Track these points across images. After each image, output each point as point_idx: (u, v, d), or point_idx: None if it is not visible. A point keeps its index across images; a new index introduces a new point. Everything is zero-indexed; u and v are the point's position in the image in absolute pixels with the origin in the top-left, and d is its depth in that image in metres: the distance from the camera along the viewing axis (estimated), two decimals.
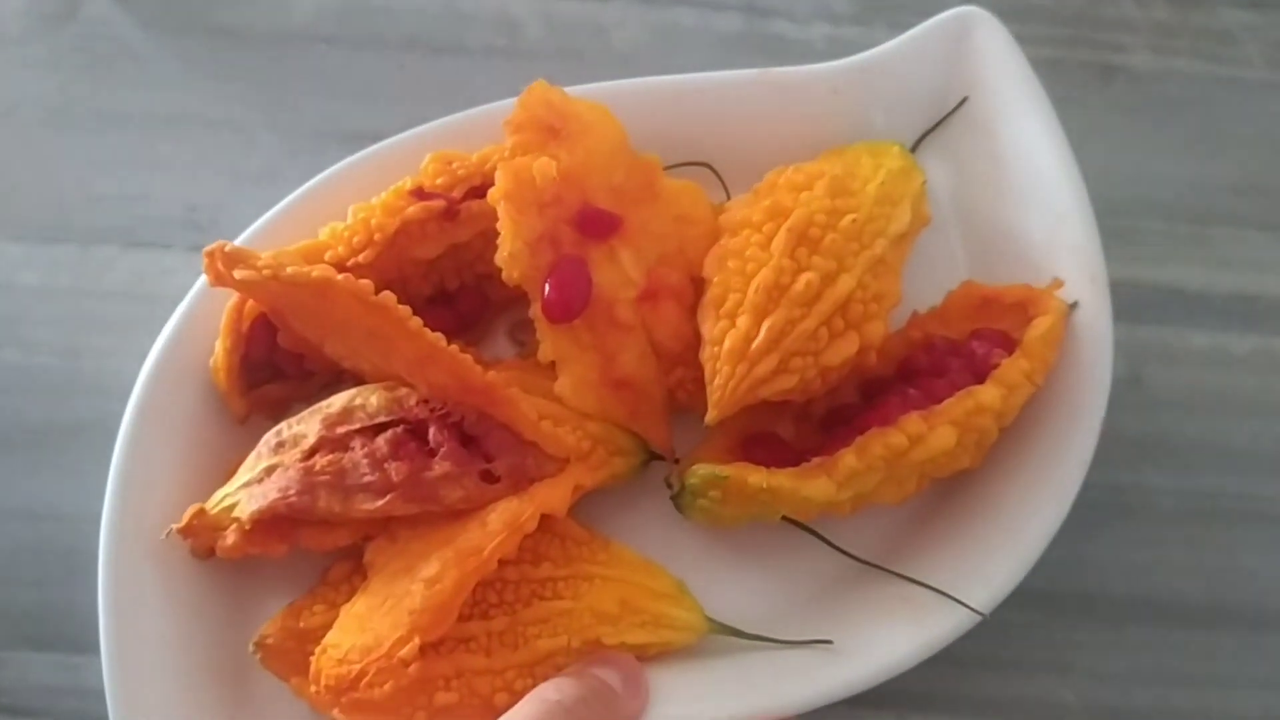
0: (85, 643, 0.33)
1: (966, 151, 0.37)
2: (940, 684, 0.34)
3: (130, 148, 0.40)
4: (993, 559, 0.31)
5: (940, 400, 0.31)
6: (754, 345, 0.30)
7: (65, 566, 0.35)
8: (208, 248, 0.30)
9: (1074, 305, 0.33)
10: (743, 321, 0.31)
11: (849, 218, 0.31)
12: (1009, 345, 0.32)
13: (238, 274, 0.30)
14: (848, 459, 0.30)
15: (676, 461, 0.33)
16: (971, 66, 0.37)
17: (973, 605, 0.31)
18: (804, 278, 0.31)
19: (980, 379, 0.32)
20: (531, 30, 0.43)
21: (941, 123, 0.37)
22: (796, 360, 0.31)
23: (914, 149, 0.37)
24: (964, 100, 0.37)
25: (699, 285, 0.33)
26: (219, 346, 0.32)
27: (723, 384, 0.31)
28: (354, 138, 0.37)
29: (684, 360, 0.33)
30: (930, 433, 0.30)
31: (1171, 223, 0.41)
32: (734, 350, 0.30)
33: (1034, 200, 0.35)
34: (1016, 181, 0.36)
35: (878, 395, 0.33)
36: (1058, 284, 0.33)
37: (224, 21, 0.42)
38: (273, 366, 0.33)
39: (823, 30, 0.44)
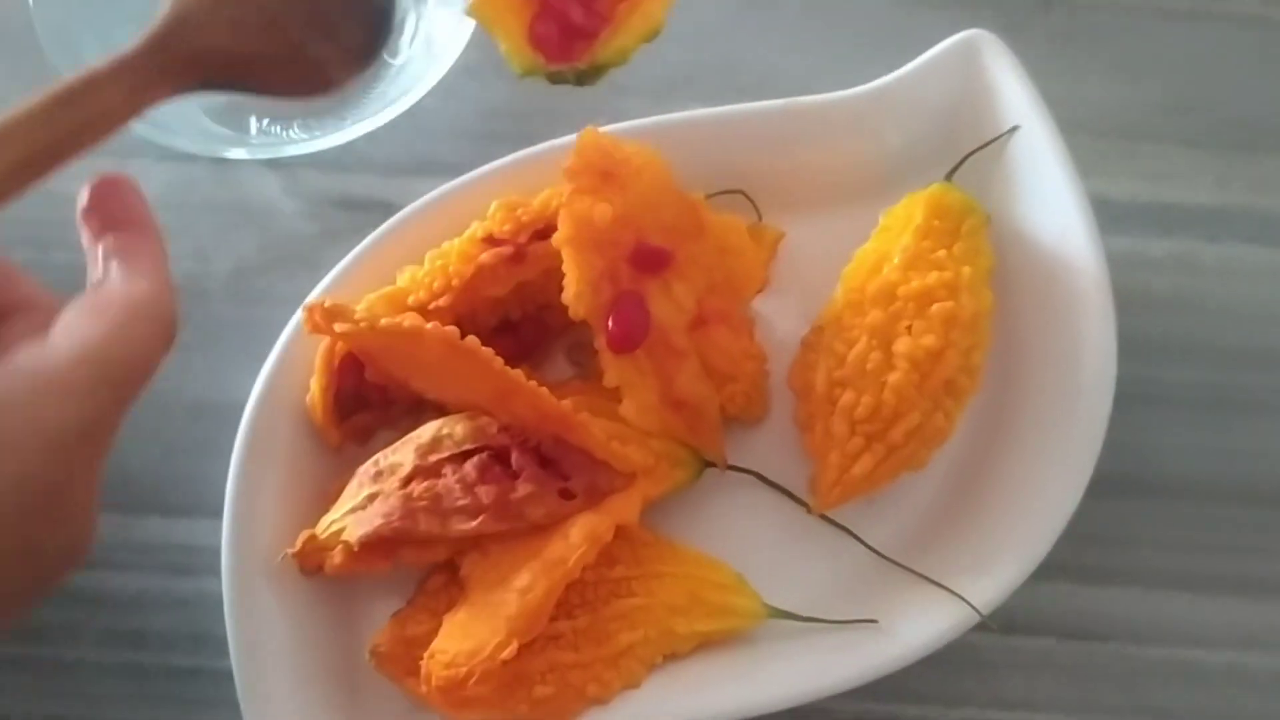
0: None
1: (975, 162, 0.40)
2: None
3: None
4: (998, 558, 0.35)
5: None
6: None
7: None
8: (307, 303, 0.34)
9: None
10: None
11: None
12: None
13: (337, 327, 0.33)
14: None
15: (730, 468, 0.37)
16: (980, 85, 0.39)
17: (976, 603, 0.34)
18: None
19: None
20: None
21: (985, 147, 0.39)
22: None
23: (955, 170, 0.39)
24: (1015, 129, 0.39)
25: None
26: (314, 385, 0.36)
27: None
28: None
29: (733, 377, 0.36)
30: None
31: (1099, 139, 0.45)
32: None
33: (1039, 209, 0.39)
34: (1023, 192, 0.39)
35: None
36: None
37: None
38: (360, 397, 0.37)
39: None
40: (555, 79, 0.30)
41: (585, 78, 0.28)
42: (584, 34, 0.27)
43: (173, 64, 0.31)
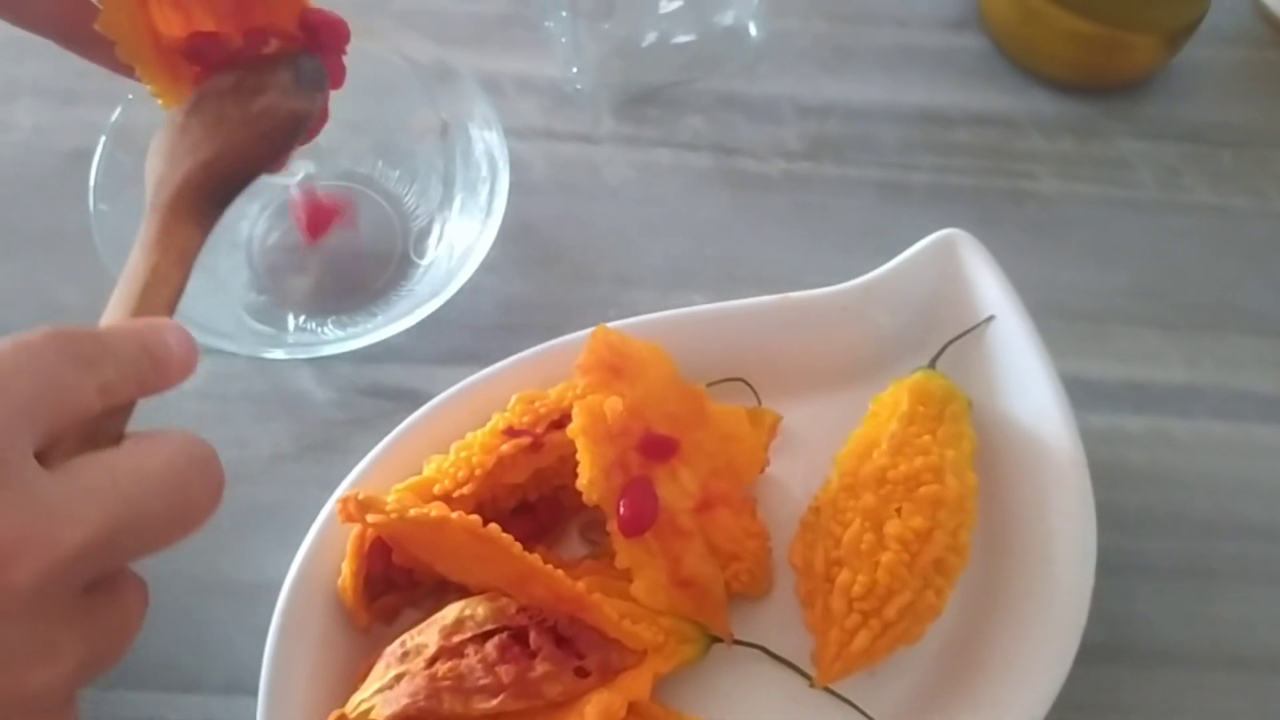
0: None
1: (956, 349, 0.43)
2: None
3: None
4: None
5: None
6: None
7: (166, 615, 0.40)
8: (342, 496, 0.36)
9: None
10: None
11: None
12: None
13: (369, 518, 0.36)
14: None
15: (736, 642, 0.39)
16: (957, 279, 0.43)
17: None
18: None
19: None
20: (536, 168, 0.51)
21: (964, 335, 0.42)
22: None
23: (937, 357, 0.42)
24: (991, 318, 0.42)
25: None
26: (345, 569, 0.38)
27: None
28: None
29: (737, 556, 0.39)
30: None
31: (1074, 322, 0.48)
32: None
33: (1017, 391, 0.42)
34: (1001, 376, 0.42)
35: None
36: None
37: None
38: (388, 580, 0.39)
39: (779, 165, 0.52)
40: None
41: None
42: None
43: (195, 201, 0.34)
